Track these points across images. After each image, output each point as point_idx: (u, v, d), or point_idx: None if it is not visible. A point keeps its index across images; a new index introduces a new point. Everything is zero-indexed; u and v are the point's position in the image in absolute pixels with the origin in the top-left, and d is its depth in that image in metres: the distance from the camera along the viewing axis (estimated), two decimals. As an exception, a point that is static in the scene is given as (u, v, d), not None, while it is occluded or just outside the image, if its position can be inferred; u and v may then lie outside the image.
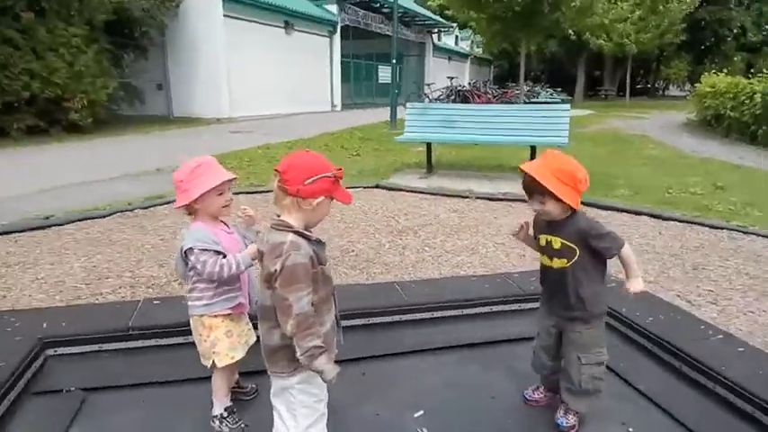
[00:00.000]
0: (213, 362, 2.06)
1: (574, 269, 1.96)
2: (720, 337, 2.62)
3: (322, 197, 1.58)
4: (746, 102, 10.95)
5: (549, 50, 33.74)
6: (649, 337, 2.66)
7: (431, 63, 32.26)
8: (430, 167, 7.55)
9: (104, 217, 5.18)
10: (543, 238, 2.03)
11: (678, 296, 3.41)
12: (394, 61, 12.74)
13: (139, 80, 16.01)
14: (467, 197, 6.09)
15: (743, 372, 2.27)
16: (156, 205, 5.61)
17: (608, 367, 2.53)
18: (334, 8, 22.23)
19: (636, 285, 1.94)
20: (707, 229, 4.88)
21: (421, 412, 2.22)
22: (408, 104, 7.69)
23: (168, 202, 5.68)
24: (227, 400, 2.15)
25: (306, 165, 1.58)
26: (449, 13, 24.56)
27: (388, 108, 14.11)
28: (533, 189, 1.91)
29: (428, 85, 23.68)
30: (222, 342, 2.06)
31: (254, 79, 17.19)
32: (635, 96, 33.58)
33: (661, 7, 24.57)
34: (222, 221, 2.10)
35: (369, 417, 2.20)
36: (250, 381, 2.34)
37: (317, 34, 21.34)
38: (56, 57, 11.23)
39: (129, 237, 4.59)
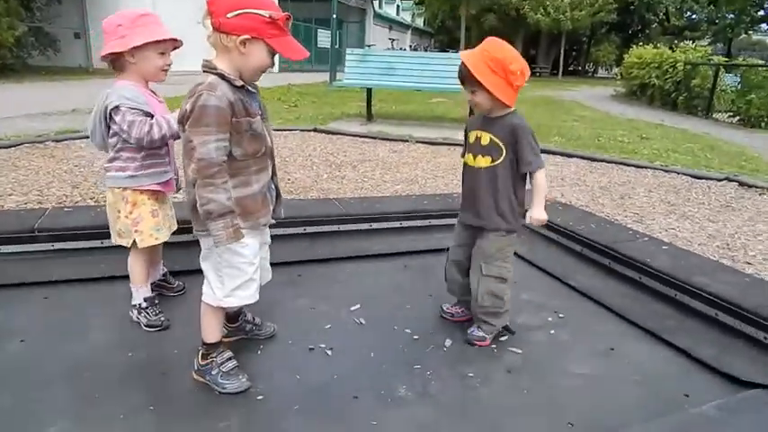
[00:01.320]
0: (134, 241, 1.87)
1: (495, 172, 1.83)
2: (646, 239, 2.73)
3: (247, 36, 1.38)
4: (670, 70, 11.58)
5: (488, 25, 34.17)
6: (581, 240, 2.73)
7: (372, 30, 31.81)
8: (370, 116, 7.42)
9: (11, 147, 4.68)
10: (473, 134, 1.89)
11: (607, 216, 3.53)
12: (334, 16, 12.36)
13: (53, 26, 14.62)
14: (406, 140, 6.03)
15: (667, 263, 2.36)
16: (71, 139, 5.15)
17: (543, 270, 2.61)
18: (271, -36, 21.25)
19: (537, 213, 1.81)
20: (633, 168, 5.13)
21: (357, 306, 2.16)
22: (348, 50, 7.47)
23: (86, 137, 5.24)
24: (148, 290, 1.96)
25: None
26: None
27: (328, 73, 13.73)
28: (464, 76, 1.77)
29: (369, 46, 23.35)
30: (146, 220, 1.87)
31: (181, 30, 16.10)
32: (567, 76, 34.85)
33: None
34: (152, 90, 1.89)
35: (304, 309, 2.11)
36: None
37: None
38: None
39: (39, 164, 4.18)
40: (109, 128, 1.79)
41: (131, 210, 1.85)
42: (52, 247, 2.40)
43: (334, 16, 12.78)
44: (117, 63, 1.78)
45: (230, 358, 1.62)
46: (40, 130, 5.38)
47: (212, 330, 1.60)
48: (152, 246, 1.93)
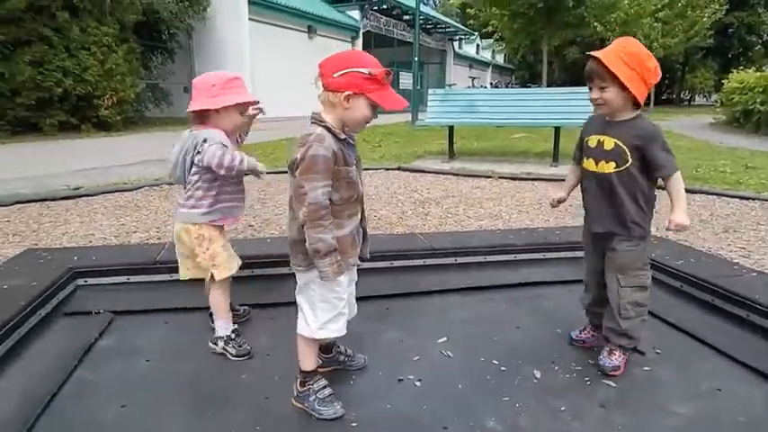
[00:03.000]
0: (212, 275, 2.02)
1: (620, 177, 1.77)
2: (753, 274, 2.55)
3: (350, 92, 1.53)
4: (777, 95, 10.70)
5: (571, 57, 33.55)
6: (679, 275, 2.60)
7: (452, 70, 32.36)
8: (452, 153, 7.54)
9: (133, 190, 5.30)
10: (595, 139, 1.84)
11: (709, 251, 3.32)
12: (416, 58, 12.80)
13: (166, 82, 16.39)
14: (489, 176, 6.06)
15: (778, 300, 2.19)
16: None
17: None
18: (356, 14, 22.55)
19: (680, 217, 1.72)
20: (737, 200, 4.78)
21: (444, 338, 2.20)
22: (430, 90, 7.71)
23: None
24: (231, 321, 2.11)
25: (340, 58, 1.56)
26: (471, 11, 24.50)
27: (410, 113, 14.17)
28: (595, 72, 1.73)
29: (450, 85, 23.73)
30: (221, 254, 2.03)
31: (276, 82, 17.44)
32: (660, 105, 33.04)
33: (689, 12, 24.16)
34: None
35: (393, 342, 2.19)
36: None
37: (340, 39, 21.61)
38: (88, 55, 11.57)
39: (156, 204, 4.69)
40: (192, 165, 1.95)
41: (208, 246, 2.01)
42: (170, 278, 2.69)
43: (416, 59, 13.24)
44: (202, 117, 1.98)
45: (326, 386, 1.72)
46: (157, 174, 6.03)
47: (308, 360, 1.72)
48: (227, 278, 2.07)
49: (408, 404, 1.75)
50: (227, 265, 2.05)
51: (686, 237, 3.68)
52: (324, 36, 20.21)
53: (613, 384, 1.85)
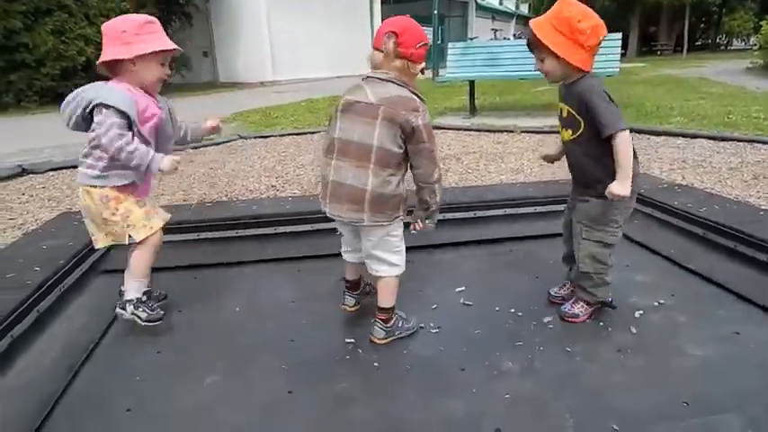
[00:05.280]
0: (129, 236, 1.84)
1: (581, 143, 1.73)
2: (780, 220, 2.50)
3: (423, 63, 1.71)
4: (820, 35, 10.08)
5: (599, 4, 32.03)
6: (702, 222, 2.57)
7: (473, 23, 31.30)
8: (473, 109, 7.41)
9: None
10: (558, 108, 1.83)
11: (737, 197, 3.25)
12: (435, 12, 12.43)
13: (186, 47, 16.32)
14: (511, 131, 5.97)
15: (804, 244, 2.16)
16: (204, 146, 5.80)
17: (658, 253, 2.50)
18: (373, -32, 21.81)
19: (616, 187, 1.62)
20: (770, 146, 4.61)
21: (462, 288, 2.25)
22: (450, 44, 7.52)
23: (217, 144, 5.88)
24: (146, 283, 1.94)
25: (418, 30, 1.67)
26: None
27: (430, 70, 13.88)
28: (531, 43, 1.71)
29: (471, 39, 23.06)
30: (135, 212, 1.83)
31: (295, 43, 17.23)
32: (694, 51, 31.47)
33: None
34: (151, 95, 1.82)
35: (413, 292, 2.24)
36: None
37: (358, -3, 21.05)
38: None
39: (181, 169, 4.76)
40: (88, 125, 1.73)
41: (116, 206, 1.80)
42: (197, 237, 2.79)
43: (436, 12, 12.86)
44: (115, 68, 1.73)
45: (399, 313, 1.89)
46: (180, 139, 6.13)
47: (393, 297, 1.84)
48: (155, 239, 1.89)
49: (427, 349, 1.82)
50: (145, 223, 1.85)
51: (713, 185, 3.61)
52: (342, -6, 19.71)
53: (631, 330, 1.87)
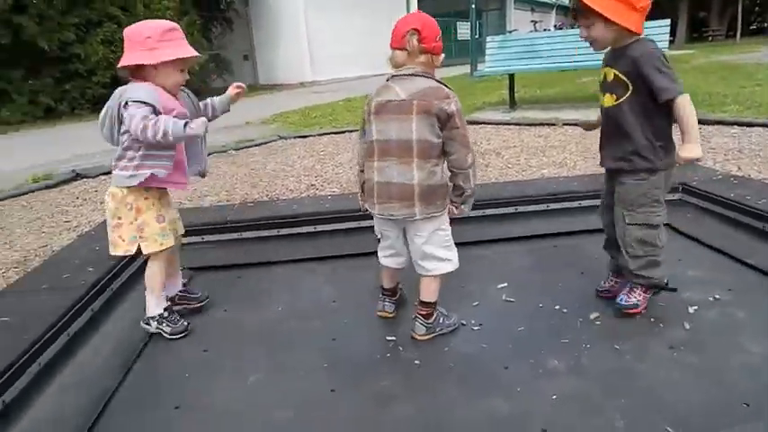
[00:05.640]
0: (139, 248, 1.84)
1: (624, 109, 1.69)
2: None
3: (443, 53, 1.74)
4: None
5: (644, -10, 30.78)
6: (762, 215, 2.43)
7: (512, 16, 30.72)
8: (513, 103, 7.27)
9: (202, 157, 5.55)
10: (602, 72, 1.78)
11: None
12: (473, 5, 12.26)
13: (227, 51, 16.77)
14: (553, 124, 5.82)
15: None
16: (246, 147, 5.92)
17: (713, 248, 2.38)
18: (409, -35, 21.72)
19: (688, 150, 1.57)
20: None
21: (505, 284, 2.21)
22: (488, 38, 7.40)
23: (258, 145, 6.00)
24: (164, 300, 1.98)
25: (434, 23, 1.70)
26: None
27: (469, 65, 13.71)
28: (577, 10, 1.66)
29: (510, 32, 22.64)
30: (152, 226, 1.84)
31: (334, 43, 17.37)
32: (749, 36, 29.82)
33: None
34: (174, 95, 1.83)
35: (454, 288, 2.21)
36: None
37: (395, -6, 21.02)
38: (153, 31, 12.01)
39: (224, 170, 4.91)
40: (121, 124, 1.75)
41: (136, 216, 1.82)
42: (240, 236, 2.85)
43: (473, 6, 12.69)
44: (136, 72, 1.76)
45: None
46: (223, 141, 6.28)
47: (437, 293, 1.83)
48: (166, 254, 1.92)
49: (469, 346, 1.79)
50: (157, 238, 1.85)
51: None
52: (379, -9, 19.72)
53: (687, 326, 1.79)
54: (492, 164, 4.35)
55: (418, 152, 1.64)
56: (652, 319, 1.85)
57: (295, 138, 6.38)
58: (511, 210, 2.93)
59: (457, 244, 2.41)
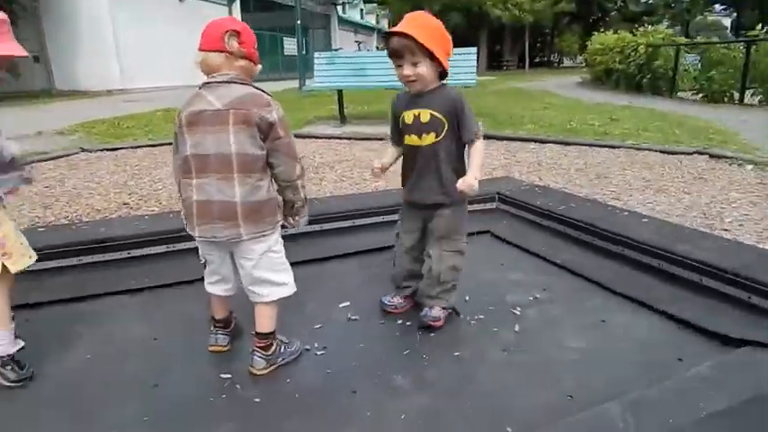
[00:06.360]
0: (3, 267, 1.53)
1: (440, 146, 1.80)
2: (626, 213, 2.78)
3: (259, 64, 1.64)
4: (632, 54, 11.83)
5: (452, 23, 34.48)
6: (562, 220, 2.75)
7: (337, 36, 31.78)
8: (343, 118, 7.40)
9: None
10: (410, 114, 1.82)
11: (586, 196, 3.57)
12: (298, 22, 12.31)
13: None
14: (382, 139, 6.03)
15: (649, 235, 2.40)
16: (38, 161, 5.00)
17: (527, 251, 2.63)
18: (231, -25, 21.06)
19: (470, 179, 1.70)
20: (606, 149, 5.22)
21: (347, 302, 2.14)
22: (316, 53, 7.44)
23: (54, 158, 5.11)
24: (13, 333, 1.62)
25: (252, 32, 1.59)
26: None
27: (296, 80, 13.72)
28: (407, 49, 1.69)
29: (336, 50, 23.32)
30: (11, 238, 1.56)
31: (147, 49, 15.90)
32: (534, 68, 35.33)
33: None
34: None
35: (295, 310, 2.06)
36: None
37: (215, 3, 20.12)
38: None
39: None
40: None
41: None
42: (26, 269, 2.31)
43: (299, 22, 12.75)
44: None
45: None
46: (5, 155, 5.23)
47: (275, 321, 1.66)
48: (10, 280, 1.59)
49: (314, 373, 1.67)
50: (23, 251, 1.61)
51: (565, 185, 3.94)
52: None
53: (516, 328, 1.91)
54: (326, 177, 4.31)
55: (239, 166, 1.48)
56: (484, 323, 1.95)
57: (102, 150, 5.60)
58: (348, 224, 2.90)
59: (294, 263, 2.26)
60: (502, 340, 1.84)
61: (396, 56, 1.74)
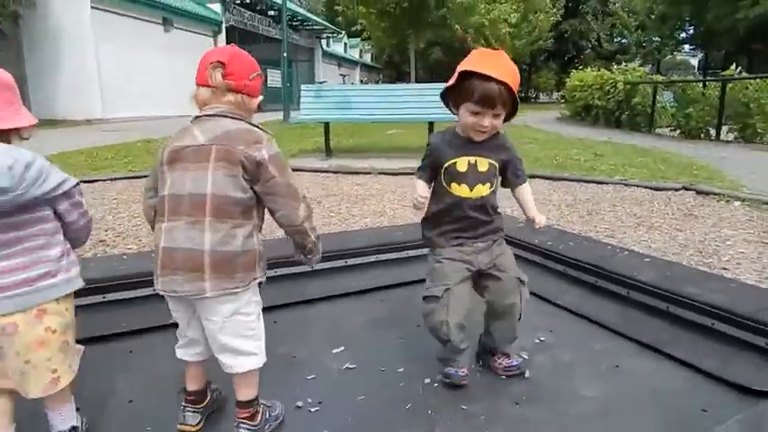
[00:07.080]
0: (59, 379, 1.30)
1: (493, 196, 1.71)
2: (626, 253, 2.71)
3: (260, 97, 1.48)
4: (611, 90, 12.14)
5: (433, 58, 35.28)
6: (562, 260, 2.67)
7: (321, 69, 32.18)
8: (329, 151, 7.34)
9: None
10: (464, 161, 1.64)
11: (579, 233, 3.52)
12: (284, 54, 12.38)
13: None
14: (368, 173, 5.97)
15: (654, 276, 2.32)
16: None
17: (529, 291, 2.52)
18: (217, 7, 21.30)
19: (542, 219, 1.76)
20: (594, 184, 5.24)
21: (341, 348, 2.00)
22: (303, 86, 7.43)
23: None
24: None
25: (248, 58, 1.44)
26: (338, 8, 24.55)
27: (281, 111, 13.73)
28: (499, 101, 1.53)
29: (321, 82, 23.56)
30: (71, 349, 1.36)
31: (130, 79, 15.84)
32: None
33: (531, 17, 26.70)
34: None
35: (284, 360, 1.92)
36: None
37: (200, 34, 20.27)
38: None
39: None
40: None
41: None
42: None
43: (284, 55, 12.83)
44: None
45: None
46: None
47: (256, 387, 1.46)
48: None
49: (309, 433, 1.51)
50: (72, 365, 1.37)
51: (557, 221, 3.89)
52: (182, 29, 18.79)
53: (527, 375, 1.79)
54: (314, 213, 4.19)
55: (212, 209, 1.29)
56: (490, 373, 1.82)
57: (78, 182, 5.40)
58: (340, 263, 2.76)
59: (281, 305, 2.11)
60: (512, 391, 1.71)
61: (487, 104, 1.54)
